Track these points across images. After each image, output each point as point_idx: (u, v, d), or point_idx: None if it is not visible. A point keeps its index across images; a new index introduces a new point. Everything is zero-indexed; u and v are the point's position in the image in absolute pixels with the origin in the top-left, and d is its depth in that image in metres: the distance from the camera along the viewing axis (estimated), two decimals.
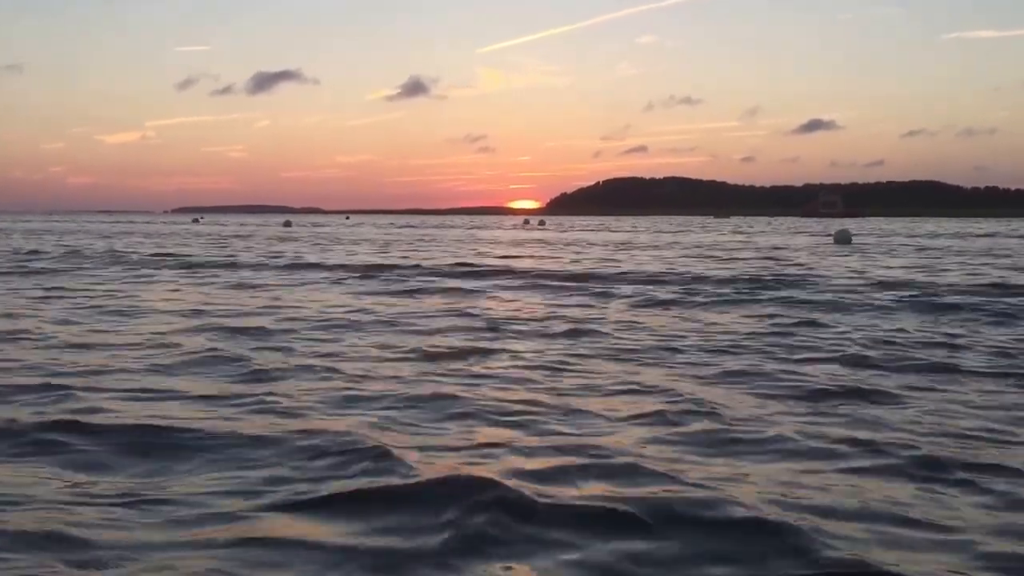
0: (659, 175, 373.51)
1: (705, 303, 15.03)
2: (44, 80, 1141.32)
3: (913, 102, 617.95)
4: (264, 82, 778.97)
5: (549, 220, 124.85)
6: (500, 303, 15.08)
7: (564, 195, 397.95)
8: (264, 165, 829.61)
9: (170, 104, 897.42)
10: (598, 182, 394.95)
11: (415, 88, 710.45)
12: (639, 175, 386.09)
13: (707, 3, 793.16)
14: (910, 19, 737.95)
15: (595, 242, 47.79)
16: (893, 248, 38.90)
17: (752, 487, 4.85)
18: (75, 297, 15.20)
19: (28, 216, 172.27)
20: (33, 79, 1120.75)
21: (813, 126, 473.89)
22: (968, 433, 6.09)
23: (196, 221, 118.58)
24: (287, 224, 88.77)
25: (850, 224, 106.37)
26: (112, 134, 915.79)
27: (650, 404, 6.89)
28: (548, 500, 4.48)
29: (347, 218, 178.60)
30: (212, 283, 18.59)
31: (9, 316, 12.28)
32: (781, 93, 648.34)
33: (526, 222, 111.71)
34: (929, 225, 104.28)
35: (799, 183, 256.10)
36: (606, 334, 11.00)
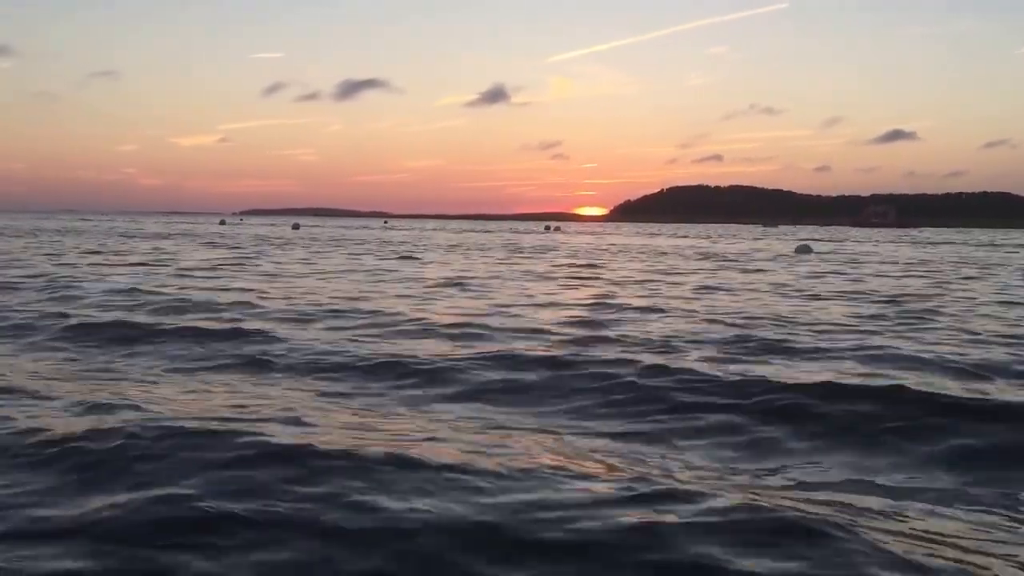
0: (729, 183, 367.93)
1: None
2: (138, 84, 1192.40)
3: (994, 113, 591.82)
4: (350, 89, 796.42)
5: (610, 226, 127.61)
6: None
7: (628, 202, 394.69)
8: (333, 169, 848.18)
9: (249, 107, 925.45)
10: (662, 189, 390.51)
11: (493, 95, 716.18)
12: (708, 183, 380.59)
13: (772, 17, 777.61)
14: (989, 32, 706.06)
15: (572, 246, 45.29)
16: (841, 262, 35.23)
17: None
18: None
19: (96, 217, 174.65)
20: (127, 84, 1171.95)
21: (893, 136, 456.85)
22: None
23: (223, 223, 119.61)
24: (295, 227, 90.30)
25: (901, 234, 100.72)
26: (187, 136, 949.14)
27: None
28: None
29: (385, 223, 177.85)
30: None
31: None
32: (864, 103, 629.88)
33: (547, 228, 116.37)
34: (981, 236, 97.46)
35: (868, 193, 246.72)
36: None
